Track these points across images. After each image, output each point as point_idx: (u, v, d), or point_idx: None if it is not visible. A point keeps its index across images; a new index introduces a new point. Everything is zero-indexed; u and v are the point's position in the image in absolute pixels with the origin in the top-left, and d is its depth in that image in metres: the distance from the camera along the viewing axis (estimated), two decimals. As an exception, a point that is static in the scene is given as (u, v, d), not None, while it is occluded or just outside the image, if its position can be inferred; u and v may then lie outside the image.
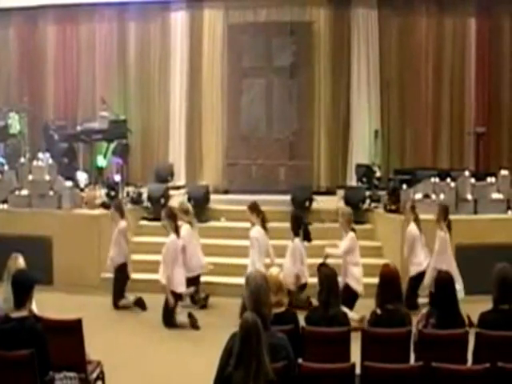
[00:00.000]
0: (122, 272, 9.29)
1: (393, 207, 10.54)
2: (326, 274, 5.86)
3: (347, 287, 8.39)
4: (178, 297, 8.51)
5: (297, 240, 9.04)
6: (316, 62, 13.84)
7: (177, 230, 8.63)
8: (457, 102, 13.83)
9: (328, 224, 10.95)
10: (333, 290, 5.66)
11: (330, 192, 13.31)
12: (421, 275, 8.87)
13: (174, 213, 8.82)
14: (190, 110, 14.34)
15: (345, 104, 13.91)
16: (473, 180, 10.72)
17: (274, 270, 5.55)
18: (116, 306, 9.23)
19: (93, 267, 10.16)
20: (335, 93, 13.92)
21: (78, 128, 13.10)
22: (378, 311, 5.57)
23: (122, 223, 9.33)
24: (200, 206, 11.05)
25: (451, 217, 10.05)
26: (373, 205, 11.24)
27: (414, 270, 9.01)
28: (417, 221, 9.15)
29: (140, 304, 9.18)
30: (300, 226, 9.20)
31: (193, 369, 6.95)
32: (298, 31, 13.72)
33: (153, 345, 7.95)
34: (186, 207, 9.53)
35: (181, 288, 8.54)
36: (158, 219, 10.97)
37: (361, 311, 8.37)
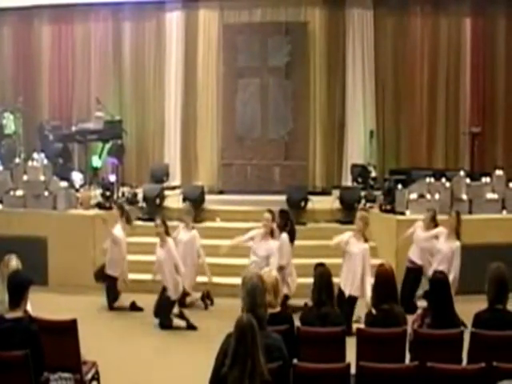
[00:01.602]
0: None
1: (388, 207, 10.55)
2: (321, 273, 5.84)
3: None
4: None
5: (284, 235, 8.77)
6: (311, 62, 13.85)
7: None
8: (452, 102, 13.85)
9: (323, 224, 10.99)
10: (326, 289, 5.64)
11: (325, 192, 13.31)
12: None
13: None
14: (185, 110, 14.33)
15: (340, 104, 13.92)
16: (468, 180, 10.74)
17: (268, 271, 5.53)
18: (111, 307, 9.22)
19: (88, 267, 10.12)
20: (330, 93, 13.93)
21: (73, 128, 13.06)
22: (374, 311, 5.58)
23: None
24: (195, 207, 11.03)
25: (446, 217, 10.08)
26: (368, 205, 11.25)
27: None
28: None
29: (135, 308, 9.17)
30: (287, 223, 8.92)
31: (189, 369, 6.94)
32: (293, 31, 13.71)
33: (149, 345, 7.94)
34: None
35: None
36: (152, 219, 10.99)
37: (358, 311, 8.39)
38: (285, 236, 8.78)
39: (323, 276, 5.73)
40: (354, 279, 8.21)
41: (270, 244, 8.70)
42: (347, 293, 8.17)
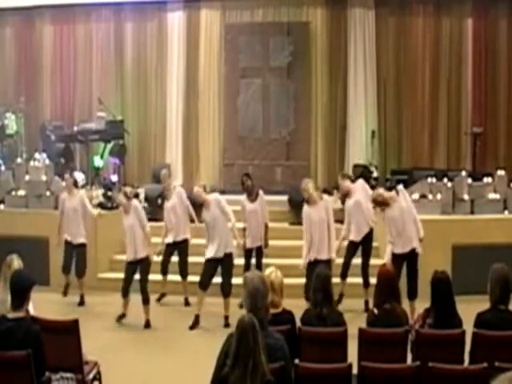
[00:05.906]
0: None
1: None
2: (317, 273, 5.83)
3: None
4: None
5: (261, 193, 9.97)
6: (313, 62, 13.84)
7: None
8: (454, 103, 13.82)
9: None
10: (322, 289, 5.63)
11: (326, 192, 13.27)
12: None
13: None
14: (186, 111, 14.33)
15: (342, 104, 13.90)
16: (469, 180, 10.73)
17: (274, 270, 5.52)
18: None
19: (89, 267, 10.13)
20: (332, 93, 13.91)
21: (75, 128, 13.08)
22: (376, 311, 5.57)
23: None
24: (197, 207, 11.03)
25: (448, 217, 10.08)
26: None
27: None
28: None
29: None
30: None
31: (191, 369, 6.95)
32: (294, 31, 13.71)
33: (150, 345, 7.94)
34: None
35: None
36: (154, 219, 11.01)
37: (359, 311, 8.38)
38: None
39: (319, 277, 5.71)
40: None
41: (212, 210, 8.91)
42: None
